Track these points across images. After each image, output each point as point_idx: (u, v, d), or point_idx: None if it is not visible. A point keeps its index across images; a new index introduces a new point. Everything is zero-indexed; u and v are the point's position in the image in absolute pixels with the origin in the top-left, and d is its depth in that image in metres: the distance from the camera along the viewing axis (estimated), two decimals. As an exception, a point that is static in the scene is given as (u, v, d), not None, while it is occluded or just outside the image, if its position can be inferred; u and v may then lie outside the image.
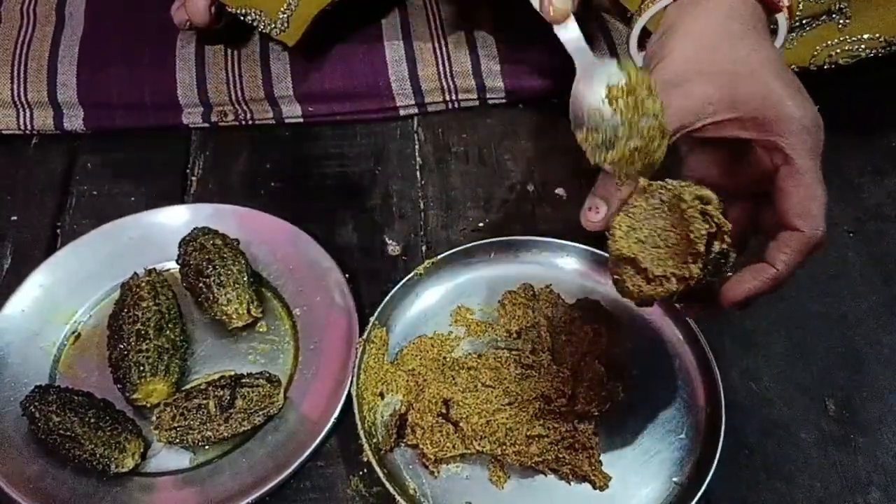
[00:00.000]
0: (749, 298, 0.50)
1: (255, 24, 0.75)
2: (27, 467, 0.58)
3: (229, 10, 0.75)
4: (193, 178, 0.77)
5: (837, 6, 0.69)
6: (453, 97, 0.81)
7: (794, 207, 0.49)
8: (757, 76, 0.50)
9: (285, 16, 0.74)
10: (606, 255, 0.67)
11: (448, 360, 0.63)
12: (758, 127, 0.49)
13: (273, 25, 0.74)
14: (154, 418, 0.59)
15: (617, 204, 0.50)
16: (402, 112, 0.81)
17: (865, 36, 0.72)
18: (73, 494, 0.57)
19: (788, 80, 0.51)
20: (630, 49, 0.60)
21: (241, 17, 0.75)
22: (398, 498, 0.55)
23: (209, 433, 0.58)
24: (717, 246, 0.47)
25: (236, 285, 0.64)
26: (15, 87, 0.78)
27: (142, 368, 0.60)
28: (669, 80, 0.49)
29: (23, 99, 0.77)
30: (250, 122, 0.80)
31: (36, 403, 0.58)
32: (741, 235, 0.53)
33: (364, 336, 0.62)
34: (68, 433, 0.57)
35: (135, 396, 0.60)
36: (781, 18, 0.56)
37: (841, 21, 0.72)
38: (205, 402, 0.59)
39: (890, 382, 0.64)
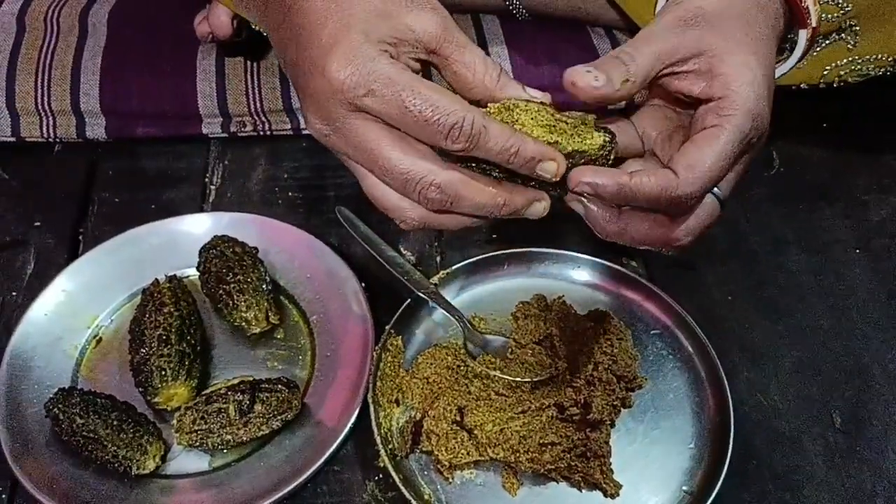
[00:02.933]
0: (589, 190, 0.48)
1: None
2: (50, 468, 0.59)
3: (252, 25, 0.77)
4: (212, 187, 0.78)
5: (847, 23, 0.71)
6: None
7: (691, 158, 0.48)
8: (745, 55, 0.50)
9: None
10: (618, 267, 0.69)
11: (462, 368, 0.64)
12: (712, 84, 0.50)
13: (293, 39, 0.76)
14: (175, 422, 0.60)
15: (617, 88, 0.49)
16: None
17: (874, 56, 0.73)
18: (94, 495, 0.58)
19: (767, 78, 0.51)
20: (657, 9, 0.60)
21: (264, 33, 0.77)
22: (413, 503, 0.56)
23: (228, 437, 0.60)
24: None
25: (255, 292, 0.66)
26: (38, 95, 0.79)
27: (163, 372, 0.61)
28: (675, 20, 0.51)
29: (46, 107, 0.79)
30: (268, 133, 0.82)
31: (60, 405, 0.59)
32: None
33: (380, 344, 0.64)
34: (91, 435, 0.58)
35: (156, 400, 0.61)
36: (803, 35, 0.56)
37: (850, 41, 0.73)
38: (225, 406, 0.60)
39: (896, 396, 0.66)
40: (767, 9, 0.54)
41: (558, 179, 0.49)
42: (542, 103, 0.51)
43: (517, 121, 0.49)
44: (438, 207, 0.49)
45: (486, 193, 0.49)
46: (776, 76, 0.55)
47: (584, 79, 0.49)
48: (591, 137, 0.50)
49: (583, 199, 0.51)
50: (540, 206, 0.52)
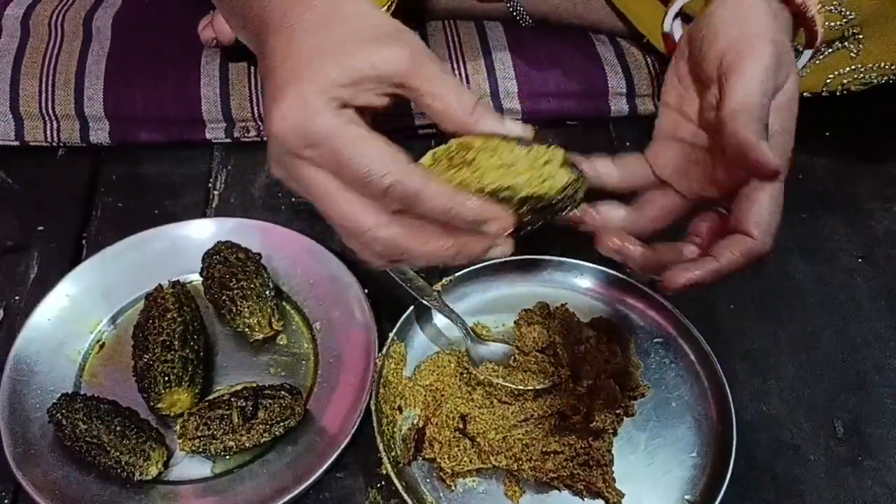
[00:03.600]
0: (688, 286, 0.50)
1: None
2: (52, 473, 0.59)
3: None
4: (215, 193, 0.78)
5: (850, 32, 0.71)
6: (471, 117, 0.83)
7: (756, 217, 0.50)
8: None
9: None
10: (621, 275, 0.69)
11: (465, 376, 0.64)
12: None
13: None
14: (178, 427, 0.60)
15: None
16: (420, 131, 0.83)
17: (877, 64, 0.73)
18: (97, 500, 0.58)
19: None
20: (664, 26, 0.61)
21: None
22: (416, 510, 0.57)
23: (231, 443, 0.60)
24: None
25: (258, 299, 0.66)
26: (42, 99, 0.79)
27: (167, 378, 0.61)
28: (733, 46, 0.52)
29: (50, 111, 0.79)
30: (272, 139, 0.82)
31: (63, 411, 0.59)
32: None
33: (383, 351, 0.64)
34: (95, 440, 0.58)
35: (159, 405, 0.61)
36: (807, 54, 0.58)
37: (854, 49, 0.73)
38: (228, 412, 0.60)
39: (898, 406, 0.66)
40: (787, 22, 0.55)
41: (508, 233, 0.48)
42: (514, 139, 0.48)
43: (472, 161, 0.47)
44: (388, 259, 0.48)
45: (436, 245, 0.47)
46: None
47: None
48: (554, 177, 0.47)
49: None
50: (499, 250, 0.50)
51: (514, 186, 0.46)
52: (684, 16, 0.60)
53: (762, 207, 0.51)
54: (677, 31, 0.61)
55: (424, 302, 0.66)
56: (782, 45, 0.53)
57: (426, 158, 0.49)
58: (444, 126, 0.49)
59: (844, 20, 0.71)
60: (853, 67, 0.74)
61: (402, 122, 0.82)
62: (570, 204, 0.49)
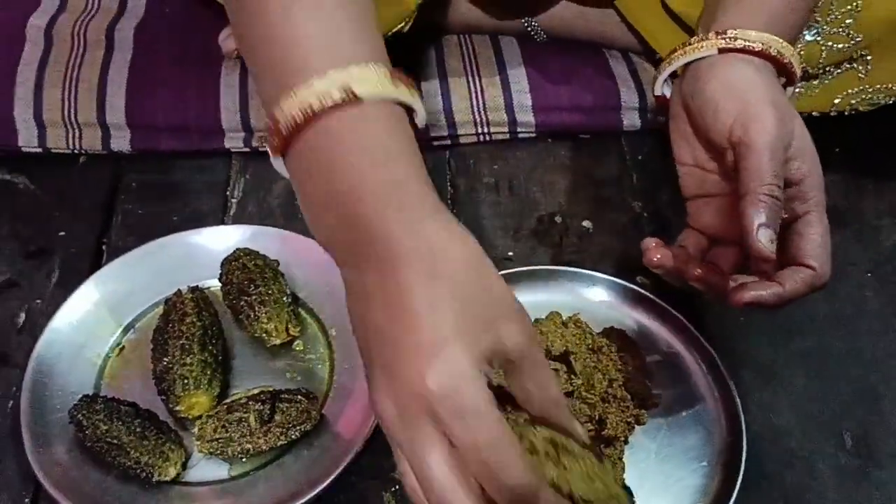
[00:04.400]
0: (753, 304, 0.55)
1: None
2: (72, 473, 0.60)
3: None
4: (233, 201, 0.80)
5: (859, 53, 0.72)
6: (485, 130, 0.84)
7: (813, 250, 0.56)
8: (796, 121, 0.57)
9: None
10: (632, 286, 0.70)
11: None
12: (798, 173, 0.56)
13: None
14: (196, 430, 0.61)
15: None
16: (435, 143, 0.84)
17: (885, 85, 0.75)
18: (116, 500, 0.59)
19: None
20: (655, 90, 0.65)
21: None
22: (430, 514, 0.57)
23: (248, 445, 0.60)
24: None
25: (276, 305, 0.67)
26: (65, 107, 0.81)
27: (186, 381, 0.62)
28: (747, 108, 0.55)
29: (72, 119, 0.81)
30: (289, 149, 0.83)
31: (84, 412, 0.60)
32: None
33: (398, 357, 0.64)
34: (115, 441, 0.59)
35: (178, 408, 0.62)
36: (788, 92, 0.61)
37: (862, 70, 0.75)
38: (245, 415, 0.61)
39: (906, 419, 0.66)
40: (771, 74, 0.59)
41: None
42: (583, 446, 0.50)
43: (560, 461, 0.48)
44: None
45: None
46: None
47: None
48: (619, 499, 0.50)
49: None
50: None
51: (596, 501, 0.49)
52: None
53: (815, 241, 0.56)
54: (667, 90, 0.64)
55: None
56: (780, 101, 0.57)
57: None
58: (524, 405, 0.48)
59: (852, 42, 0.72)
60: (861, 88, 0.76)
61: (418, 133, 0.83)
62: None
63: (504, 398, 0.49)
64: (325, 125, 0.45)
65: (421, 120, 0.50)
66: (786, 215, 0.56)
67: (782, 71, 0.60)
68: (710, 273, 0.58)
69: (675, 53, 0.61)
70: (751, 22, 0.58)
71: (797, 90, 0.78)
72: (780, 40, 0.58)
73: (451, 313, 0.42)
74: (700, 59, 0.59)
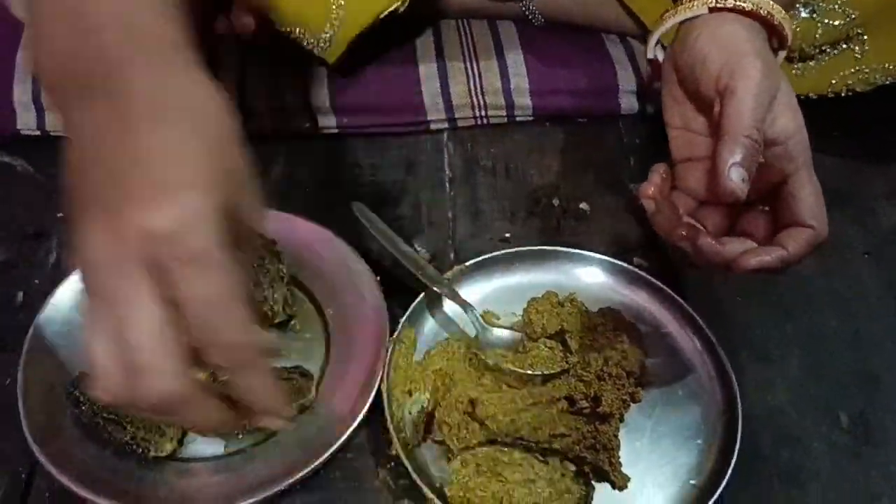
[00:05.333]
0: (758, 269, 0.56)
1: (298, 41, 0.79)
2: (69, 449, 0.60)
3: (275, 26, 0.79)
4: (231, 183, 0.80)
5: (855, 32, 0.72)
6: (482, 113, 0.84)
7: (810, 210, 0.57)
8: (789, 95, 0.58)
9: (328, 35, 0.77)
10: (629, 266, 0.70)
11: (474, 361, 0.65)
12: (774, 124, 0.57)
13: (315, 43, 0.78)
14: (192, 406, 0.61)
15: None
16: (433, 126, 0.84)
17: (882, 65, 0.75)
18: (112, 475, 0.59)
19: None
20: (648, 52, 0.67)
21: (286, 34, 0.79)
22: (425, 489, 0.57)
23: (244, 422, 0.61)
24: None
25: (273, 284, 0.67)
26: (64, 91, 0.81)
27: (182, 358, 0.62)
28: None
29: (71, 102, 0.81)
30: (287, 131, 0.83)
31: (80, 388, 0.61)
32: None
33: (394, 336, 0.65)
34: (111, 417, 0.60)
35: (174, 385, 0.62)
36: (780, 56, 0.63)
37: (858, 50, 0.75)
38: (241, 392, 0.61)
39: (903, 398, 0.66)
40: (760, 33, 0.60)
41: None
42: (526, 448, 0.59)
43: (500, 474, 0.57)
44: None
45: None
46: None
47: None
48: (571, 492, 0.57)
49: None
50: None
51: (541, 503, 0.55)
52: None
53: (810, 200, 0.57)
54: (660, 54, 0.66)
55: (435, 289, 0.67)
56: (766, 56, 0.58)
57: (456, 462, 0.58)
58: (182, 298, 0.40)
59: (847, 19, 0.72)
60: (858, 68, 0.76)
61: (416, 117, 0.83)
62: None
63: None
64: None
65: None
66: (773, 177, 0.57)
67: (774, 33, 0.60)
68: (695, 233, 0.58)
69: (667, 13, 0.62)
70: None
71: (794, 70, 0.78)
72: (771, 2, 0.59)
73: (192, 157, 0.40)
74: (691, 18, 0.60)
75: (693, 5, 0.60)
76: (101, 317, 0.40)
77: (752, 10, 0.59)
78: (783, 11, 0.60)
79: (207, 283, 0.39)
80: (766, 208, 0.60)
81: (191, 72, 0.43)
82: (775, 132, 0.57)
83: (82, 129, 0.42)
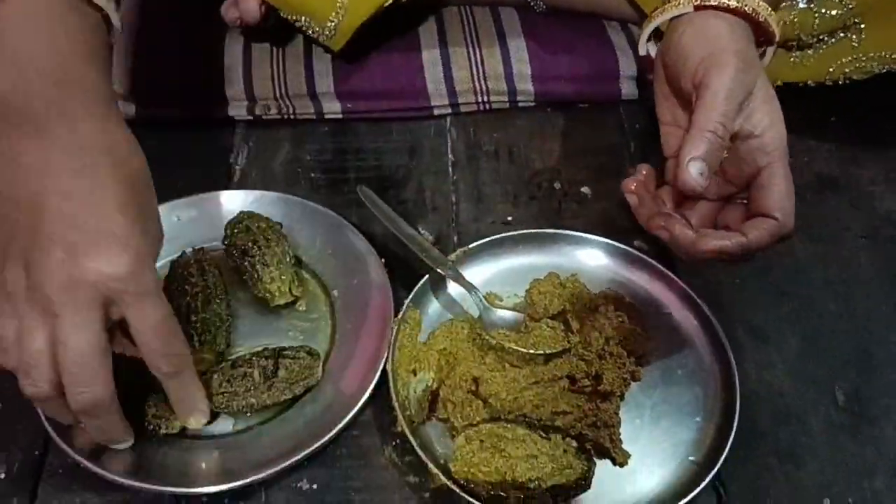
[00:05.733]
0: (716, 252, 0.58)
1: (303, 28, 0.80)
2: (79, 427, 0.61)
3: (281, 14, 0.80)
4: (237, 167, 0.81)
5: (852, 21, 0.73)
6: (485, 99, 0.85)
7: (777, 202, 0.58)
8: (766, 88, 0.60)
9: (333, 24, 0.78)
10: (629, 249, 0.72)
11: (477, 341, 0.66)
12: (751, 118, 0.59)
13: (321, 31, 0.79)
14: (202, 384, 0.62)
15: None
16: (436, 111, 0.85)
17: (879, 54, 0.75)
18: (123, 453, 0.60)
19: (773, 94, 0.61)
20: (640, 49, 0.68)
21: (292, 22, 0.80)
22: (430, 465, 0.59)
23: (253, 400, 0.62)
24: None
25: (279, 265, 0.68)
26: (72, 76, 0.82)
27: (191, 338, 0.63)
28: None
29: (79, 88, 0.82)
30: (292, 117, 0.84)
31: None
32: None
33: (399, 317, 0.66)
34: (122, 395, 0.60)
35: (184, 364, 0.64)
36: (770, 51, 0.65)
37: (855, 39, 0.76)
38: (250, 370, 0.62)
39: (898, 377, 0.68)
40: (745, 30, 0.62)
41: None
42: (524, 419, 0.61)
43: (503, 450, 0.58)
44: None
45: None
46: None
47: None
48: (573, 468, 0.58)
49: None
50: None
51: (543, 477, 0.57)
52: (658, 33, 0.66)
53: (780, 192, 0.58)
54: (652, 50, 0.68)
55: (439, 271, 0.68)
56: (745, 52, 0.59)
57: (460, 438, 0.59)
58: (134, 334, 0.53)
59: (845, 8, 0.73)
60: (855, 57, 0.77)
61: (420, 103, 0.84)
62: (583, 488, 0.58)
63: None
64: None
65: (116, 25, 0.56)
66: (748, 169, 0.59)
67: (759, 30, 0.62)
68: (671, 223, 0.60)
69: (656, 11, 0.64)
70: None
71: (792, 59, 0.79)
72: (758, 0, 0.61)
73: (113, 202, 0.50)
74: (678, 16, 0.62)
75: (679, 3, 0.62)
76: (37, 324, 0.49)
77: (736, 7, 0.60)
78: (769, 8, 0.61)
79: (155, 312, 0.51)
80: (745, 201, 0.62)
81: (109, 118, 0.52)
82: (751, 125, 0.59)
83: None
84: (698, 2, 0.61)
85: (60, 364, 0.49)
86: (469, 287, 0.68)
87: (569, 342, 0.65)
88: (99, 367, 0.50)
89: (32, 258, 0.48)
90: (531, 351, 0.64)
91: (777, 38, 0.63)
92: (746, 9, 0.60)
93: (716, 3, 0.60)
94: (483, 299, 0.68)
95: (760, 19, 0.61)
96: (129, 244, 0.49)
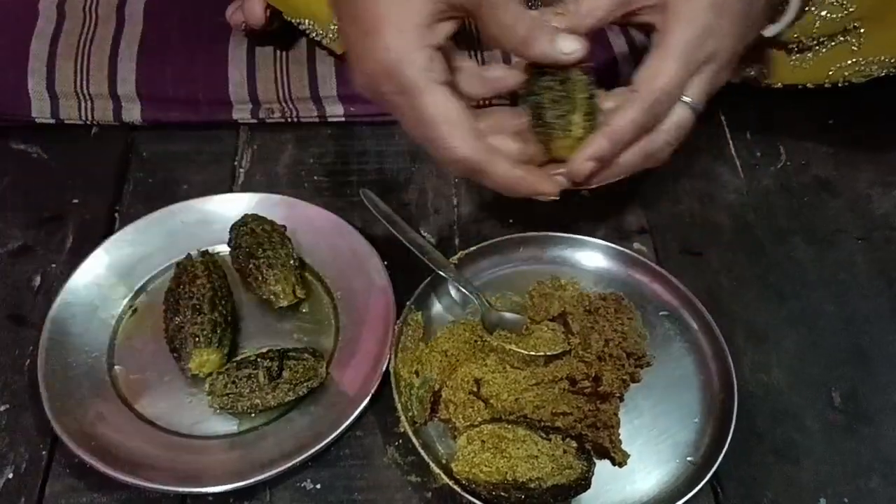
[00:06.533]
0: (593, 158, 0.57)
1: (307, 31, 0.81)
2: (86, 427, 0.62)
3: (285, 17, 0.80)
4: (241, 170, 0.82)
5: (852, 25, 0.74)
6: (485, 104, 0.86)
7: (643, 71, 0.56)
8: None
9: (336, 27, 0.79)
10: (629, 251, 0.72)
11: (479, 343, 0.67)
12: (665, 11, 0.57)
13: (324, 34, 0.80)
14: (207, 385, 0.63)
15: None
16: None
17: (878, 58, 0.76)
18: (129, 452, 0.61)
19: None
20: None
21: (296, 25, 0.80)
22: (432, 465, 0.60)
23: (257, 401, 0.63)
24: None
25: (283, 267, 0.69)
26: (78, 79, 0.83)
27: (197, 339, 0.64)
28: None
29: (85, 91, 0.83)
30: (296, 120, 0.85)
31: None
32: None
33: (401, 319, 0.67)
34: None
35: (189, 365, 0.64)
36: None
37: (855, 43, 0.76)
38: (255, 371, 0.63)
39: (893, 378, 0.68)
40: None
41: None
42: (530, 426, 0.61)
43: (504, 450, 0.58)
44: (462, 175, 0.59)
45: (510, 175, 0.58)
46: (772, 32, 0.65)
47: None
48: (572, 468, 0.58)
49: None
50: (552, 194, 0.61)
51: (543, 477, 0.57)
52: None
53: (654, 63, 0.56)
54: None
55: (440, 273, 0.69)
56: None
57: (462, 439, 0.60)
58: (504, 43, 0.56)
59: (845, 12, 0.74)
60: (854, 60, 0.77)
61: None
62: (583, 488, 0.59)
63: None
64: None
65: None
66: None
67: None
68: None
69: None
70: None
71: (792, 61, 0.79)
72: None
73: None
74: None
75: None
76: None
77: None
78: None
79: (423, 107, 0.55)
80: None
81: None
82: None
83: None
84: None
85: None
86: (470, 289, 0.69)
87: (569, 344, 0.66)
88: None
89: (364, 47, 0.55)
90: (532, 353, 0.65)
91: None
92: None
93: None
94: (484, 301, 0.69)
95: None
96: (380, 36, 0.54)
